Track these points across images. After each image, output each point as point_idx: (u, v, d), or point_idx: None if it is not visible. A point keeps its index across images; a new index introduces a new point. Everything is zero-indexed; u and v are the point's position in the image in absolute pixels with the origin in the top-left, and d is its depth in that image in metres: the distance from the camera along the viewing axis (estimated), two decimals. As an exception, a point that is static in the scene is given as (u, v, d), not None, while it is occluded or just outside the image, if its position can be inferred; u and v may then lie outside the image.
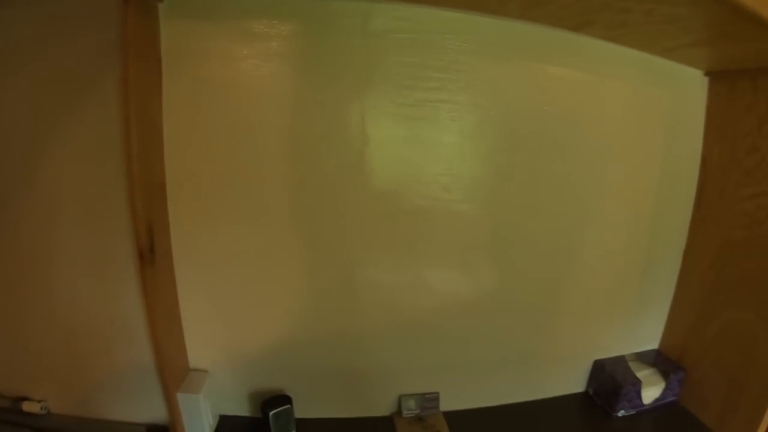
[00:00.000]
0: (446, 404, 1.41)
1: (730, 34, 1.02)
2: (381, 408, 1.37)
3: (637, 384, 1.45)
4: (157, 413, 1.20)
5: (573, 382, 1.58)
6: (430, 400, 1.37)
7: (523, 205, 1.31)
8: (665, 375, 1.52)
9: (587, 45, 1.19)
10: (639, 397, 1.47)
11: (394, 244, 1.22)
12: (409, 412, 1.35)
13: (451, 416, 1.38)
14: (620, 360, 1.57)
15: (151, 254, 1.01)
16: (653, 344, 1.65)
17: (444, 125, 1.16)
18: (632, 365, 1.54)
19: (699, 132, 1.46)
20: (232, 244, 1.14)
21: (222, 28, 1.00)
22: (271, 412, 1.14)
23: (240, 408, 1.28)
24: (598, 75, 1.27)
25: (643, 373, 1.51)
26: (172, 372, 1.13)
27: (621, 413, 1.47)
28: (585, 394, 1.59)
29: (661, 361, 1.59)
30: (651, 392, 1.50)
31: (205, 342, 1.21)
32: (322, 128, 1.09)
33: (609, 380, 1.49)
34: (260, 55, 1.02)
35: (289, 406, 1.18)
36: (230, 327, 1.22)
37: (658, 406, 1.53)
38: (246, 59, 1.02)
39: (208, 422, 1.17)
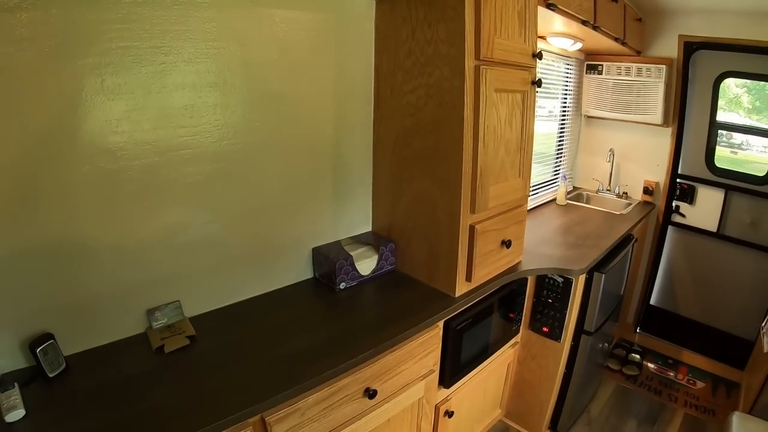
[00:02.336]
0: (190, 311, 1.58)
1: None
2: (135, 327, 1.48)
3: (349, 258, 1.79)
4: None
5: (300, 270, 1.88)
6: (173, 308, 1.52)
7: (223, 124, 1.53)
8: (377, 249, 1.91)
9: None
10: (355, 269, 1.83)
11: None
12: (158, 323, 1.48)
13: (195, 320, 1.56)
14: (335, 244, 1.91)
15: None
16: (367, 227, 2.05)
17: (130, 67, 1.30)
18: (346, 246, 1.90)
19: (371, 46, 1.82)
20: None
21: None
22: (38, 349, 1.22)
23: (16, 362, 1.30)
24: (269, 7, 1.54)
25: (357, 251, 1.87)
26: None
27: (342, 285, 1.80)
28: (314, 278, 1.91)
29: (373, 239, 1.98)
30: (367, 264, 1.87)
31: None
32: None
33: (325, 260, 1.81)
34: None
35: (52, 340, 1.26)
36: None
37: (378, 275, 1.92)
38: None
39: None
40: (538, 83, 1.88)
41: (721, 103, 3.20)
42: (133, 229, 1.41)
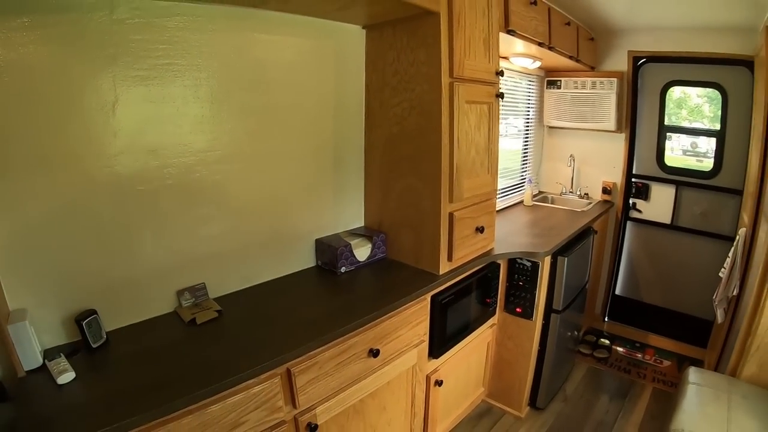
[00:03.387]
0: (214, 292, 1.86)
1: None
2: (166, 306, 1.74)
3: (348, 245, 2.11)
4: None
5: (306, 259, 2.20)
6: (199, 289, 1.79)
7: (243, 131, 1.85)
8: (370, 239, 2.23)
9: (272, 16, 1.82)
10: (353, 255, 2.14)
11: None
12: (187, 301, 1.76)
13: (218, 300, 1.83)
14: (335, 236, 2.23)
15: None
16: (360, 222, 2.37)
17: (172, 81, 1.61)
18: (345, 237, 2.21)
19: (362, 67, 2.21)
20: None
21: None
22: (83, 322, 1.43)
23: (59, 338, 1.50)
24: (283, 36, 1.90)
25: (354, 241, 2.18)
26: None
27: (343, 269, 2.11)
28: (317, 266, 2.22)
29: (366, 231, 2.30)
30: (362, 251, 2.18)
31: (19, 284, 1.40)
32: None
33: (327, 248, 2.13)
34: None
35: (95, 315, 1.48)
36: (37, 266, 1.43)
37: (372, 261, 2.23)
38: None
39: (38, 347, 1.37)
40: (501, 96, 2.27)
41: (683, 113, 3.67)
42: (170, 220, 1.70)
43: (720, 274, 2.82)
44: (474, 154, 2.17)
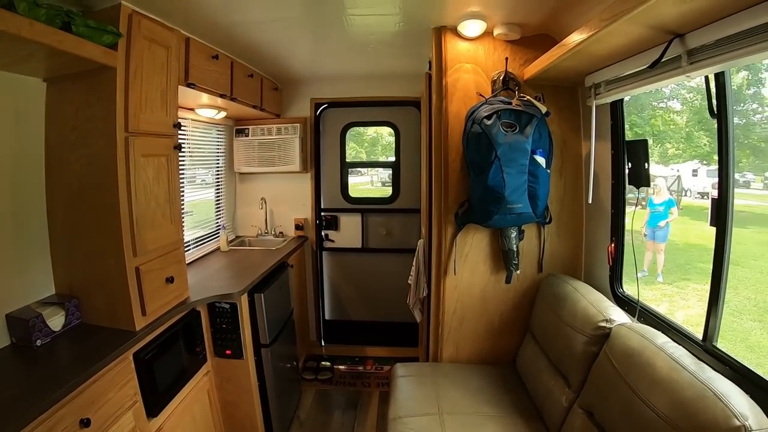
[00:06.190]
0: None
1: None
2: None
3: (39, 316, 1.97)
4: None
5: None
6: None
7: None
8: (63, 306, 2.09)
9: None
10: (47, 326, 2.00)
11: None
12: None
13: None
14: (26, 307, 2.05)
15: None
16: (51, 290, 2.21)
17: None
18: (36, 308, 2.02)
19: (42, 123, 2.12)
20: None
21: None
22: None
23: None
24: None
25: (46, 310, 2.01)
26: None
27: (39, 342, 1.96)
28: (12, 343, 2.00)
29: (59, 298, 2.15)
30: (57, 320, 2.04)
31: None
32: None
33: (18, 322, 1.96)
34: None
35: None
36: None
37: (69, 328, 2.10)
38: None
39: None
40: (179, 147, 2.42)
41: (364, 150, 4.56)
42: None
43: (409, 281, 3.44)
44: (155, 206, 2.25)
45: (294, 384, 3.66)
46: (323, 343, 4.64)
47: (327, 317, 4.67)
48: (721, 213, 1.82)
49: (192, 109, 3.38)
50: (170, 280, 2.37)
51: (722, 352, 1.82)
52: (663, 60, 1.82)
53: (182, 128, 3.03)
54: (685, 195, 8.02)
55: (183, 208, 3.11)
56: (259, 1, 2.43)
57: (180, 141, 2.45)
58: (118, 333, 2.11)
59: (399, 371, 2.88)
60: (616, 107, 2.56)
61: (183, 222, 2.60)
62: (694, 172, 7.98)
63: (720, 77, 1.76)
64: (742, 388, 1.48)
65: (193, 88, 2.65)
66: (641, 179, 2.34)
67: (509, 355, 2.99)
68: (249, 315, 2.86)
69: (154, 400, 2.20)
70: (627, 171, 2.49)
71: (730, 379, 1.54)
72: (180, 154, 2.48)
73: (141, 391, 2.12)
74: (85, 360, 1.85)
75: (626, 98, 2.46)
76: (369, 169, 5.26)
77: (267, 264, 3.33)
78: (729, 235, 1.81)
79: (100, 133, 2.03)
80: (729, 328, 5.17)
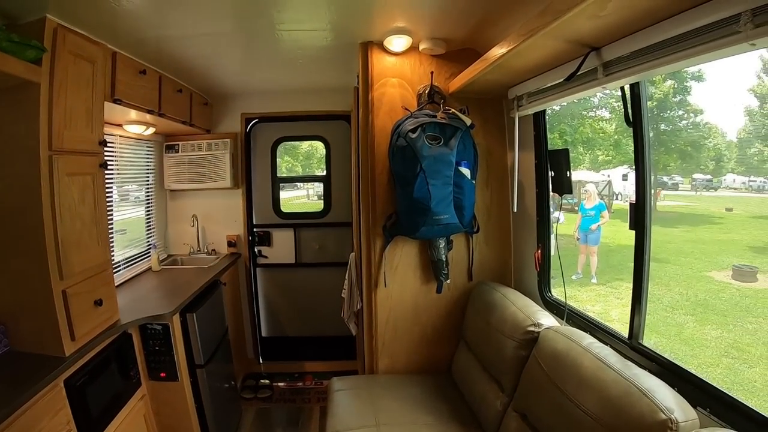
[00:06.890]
0: None
1: None
2: None
3: None
4: None
5: None
6: None
7: None
8: None
9: None
10: None
11: None
12: None
13: None
14: None
15: None
16: None
17: None
18: None
19: None
20: None
21: None
22: None
23: None
24: None
25: None
26: None
27: None
28: None
29: None
30: None
31: None
32: None
33: None
34: None
35: None
36: None
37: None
38: None
39: None
40: (105, 165, 2.36)
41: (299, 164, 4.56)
42: None
43: (342, 295, 3.46)
44: (81, 227, 2.18)
45: (233, 404, 3.60)
46: (261, 361, 4.59)
47: (264, 334, 4.62)
48: (639, 216, 1.95)
49: (120, 125, 3.29)
50: (99, 302, 2.29)
51: (648, 348, 1.93)
52: (580, 72, 1.95)
53: (110, 145, 2.97)
54: (617, 199, 8.45)
55: (112, 228, 3.04)
56: (188, 15, 2.42)
57: (108, 158, 2.40)
58: (47, 359, 2.03)
59: (336, 385, 2.90)
60: (539, 118, 2.71)
61: (111, 242, 2.53)
62: (624, 177, 8.43)
63: (635, 87, 1.91)
64: (668, 383, 1.57)
65: (119, 104, 2.60)
66: (564, 187, 2.48)
67: (444, 363, 3.06)
68: (182, 335, 2.80)
69: (89, 428, 2.13)
70: (550, 179, 2.62)
71: (658, 375, 1.63)
72: (108, 171, 2.42)
73: (74, 419, 2.05)
74: (14, 388, 1.78)
75: (551, 109, 2.58)
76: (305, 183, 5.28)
77: (199, 283, 3.27)
78: (648, 237, 1.95)
79: (24, 151, 1.96)
80: (663, 323, 5.51)
